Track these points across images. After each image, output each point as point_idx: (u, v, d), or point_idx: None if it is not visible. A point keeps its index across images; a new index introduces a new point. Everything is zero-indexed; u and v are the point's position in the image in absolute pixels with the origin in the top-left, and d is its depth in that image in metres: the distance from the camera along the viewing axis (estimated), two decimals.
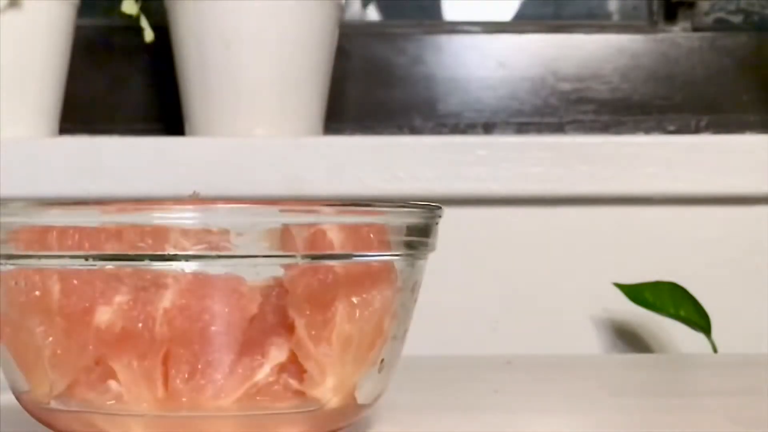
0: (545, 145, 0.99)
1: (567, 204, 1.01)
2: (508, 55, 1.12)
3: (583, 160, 0.98)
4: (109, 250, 0.48)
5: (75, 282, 0.48)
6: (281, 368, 0.49)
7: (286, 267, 0.49)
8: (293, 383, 0.49)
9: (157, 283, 0.48)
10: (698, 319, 0.94)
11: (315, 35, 1.00)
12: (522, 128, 1.12)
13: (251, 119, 1.00)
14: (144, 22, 1.02)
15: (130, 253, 0.48)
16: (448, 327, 0.99)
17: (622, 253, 1.02)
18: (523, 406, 0.61)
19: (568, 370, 0.76)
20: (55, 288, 0.49)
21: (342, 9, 1.04)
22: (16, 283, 0.50)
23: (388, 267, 0.51)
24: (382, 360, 0.52)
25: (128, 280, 0.48)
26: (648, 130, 1.12)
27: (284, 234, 0.48)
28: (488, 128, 1.11)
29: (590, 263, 1.02)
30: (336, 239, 0.49)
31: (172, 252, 0.48)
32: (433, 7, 1.18)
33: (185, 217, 0.48)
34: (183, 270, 0.48)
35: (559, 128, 1.12)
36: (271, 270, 0.49)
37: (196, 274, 0.48)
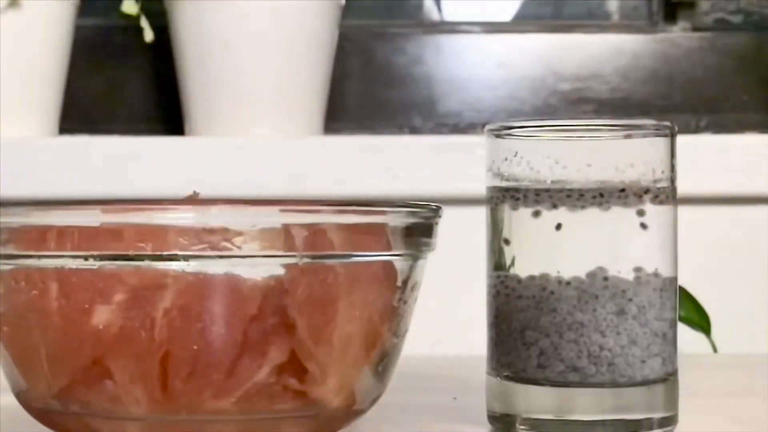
0: None
1: None
2: (508, 55, 1.12)
3: None
4: (109, 250, 0.48)
5: (74, 282, 0.48)
6: (282, 369, 0.49)
7: (287, 267, 0.49)
8: (294, 383, 0.49)
9: (157, 283, 0.48)
10: (698, 319, 0.94)
11: (315, 35, 1.00)
12: None
13: (251, 119, 1.00)
14: (144, 22, 1.02)
15: (130, 253, 0.48)
16: (448, 327, 0.98)
17: None
18: None
19: None
20: (53, 287, 0.49)
21: (342, 9, 1.04)
22: (15, 283, 0.50)
23: (388, 267, 0.51)
24: (383, 360, 0.52)
25: (128, 280, 0.48)
26: None
27: (284, 234, 0.48)
28: None
29: None
30: (336, 239, 0.49)
31: (172, 252, 0.48)
32: (432, 7, 1.18)
33: (185, 217, 0.48)
34: (183, 270, 0.48)
35: None
36: (271, 270, 0.49)
37: (196, 274, 0.48)
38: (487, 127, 0.56)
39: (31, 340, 0.49)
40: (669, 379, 0.53)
